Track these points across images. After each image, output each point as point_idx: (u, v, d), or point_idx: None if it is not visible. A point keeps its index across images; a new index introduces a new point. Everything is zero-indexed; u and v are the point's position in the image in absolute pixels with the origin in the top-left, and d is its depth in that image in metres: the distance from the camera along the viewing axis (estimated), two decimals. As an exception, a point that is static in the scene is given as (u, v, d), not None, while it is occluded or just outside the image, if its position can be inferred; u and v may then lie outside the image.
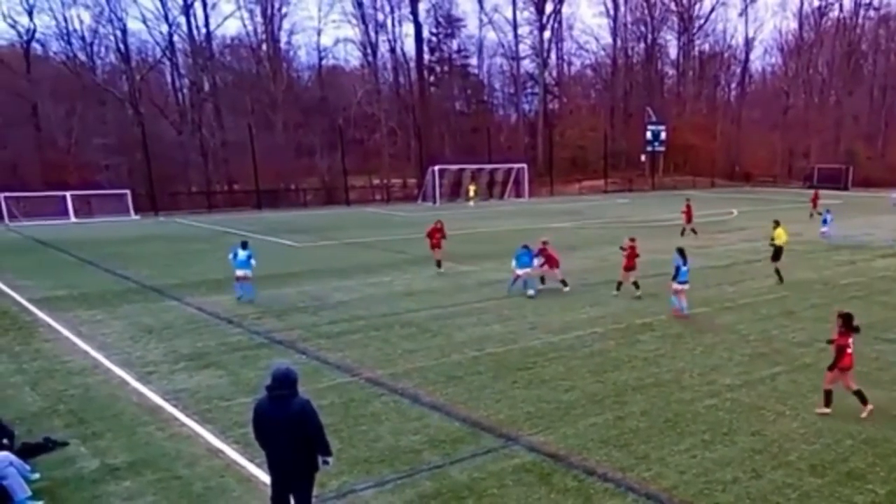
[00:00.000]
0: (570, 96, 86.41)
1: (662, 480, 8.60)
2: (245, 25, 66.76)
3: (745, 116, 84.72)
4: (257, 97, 65.28)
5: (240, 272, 19.10)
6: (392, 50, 73.17)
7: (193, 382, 12.42)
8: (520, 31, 77.41)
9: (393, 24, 71.97)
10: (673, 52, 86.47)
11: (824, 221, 32.34)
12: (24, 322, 17.22)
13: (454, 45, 79.37)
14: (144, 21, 62.41)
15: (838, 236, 31.24)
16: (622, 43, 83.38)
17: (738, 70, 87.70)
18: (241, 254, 19.06)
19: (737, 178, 77.66)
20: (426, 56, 76.34)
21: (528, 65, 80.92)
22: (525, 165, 62.51)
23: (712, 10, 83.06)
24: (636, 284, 19.09)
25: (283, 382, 6.76)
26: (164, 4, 61.66)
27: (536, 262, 19.59)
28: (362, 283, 21.40)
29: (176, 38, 63.83)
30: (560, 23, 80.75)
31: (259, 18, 66.03)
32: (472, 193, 54.90)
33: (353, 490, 8.51)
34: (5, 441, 9.38)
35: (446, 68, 79.91)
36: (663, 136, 71.51)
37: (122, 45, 61.82)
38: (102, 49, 64.27)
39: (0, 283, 22.25)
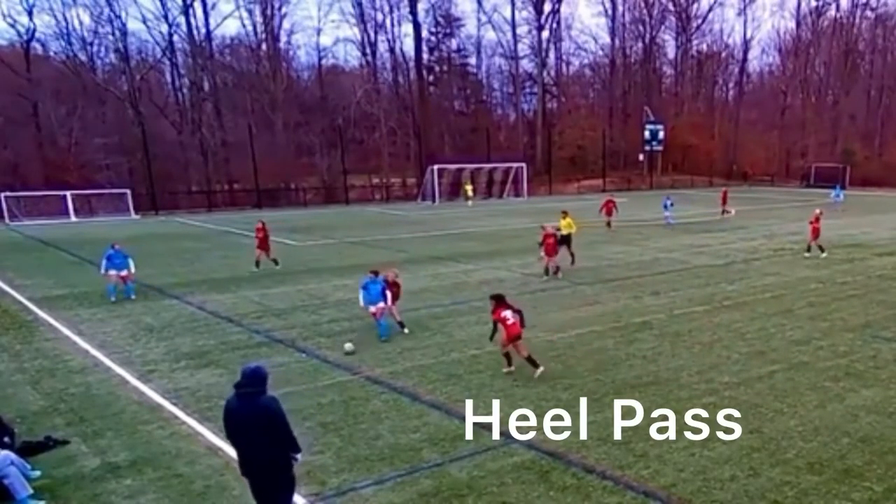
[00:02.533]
0: (568, 96, 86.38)
1: (661, 478, 8.60)
2: (244, 25, 66.97)
3: (743, 116, 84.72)
4: (257, 97, 65.29)
5: (114, 272, 19.24)
6: (391, 50, 73.26)
7: (194, 381, 12.41)
8: (518, 31, 77.52)
9: (392, 24, 72.08)
10: (671, 51, 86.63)
11: (665, 207, 36.75)
12: (25, 321, 17.22)
13: (453, 44, 79.42)
14: (144, 21, 62.62)
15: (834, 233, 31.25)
16: (620, 43, 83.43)
17: (736, 70, 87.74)
18: (116, 255, 19.33)
19: (735, 178, 77.66)
20: (425, 56, 76.29)
21: (526, 64, 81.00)
22: (524, 165, 62.55)
23: (710, 9, 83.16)
24: (556, 269, 21.46)
25: (252, 380, 6.74)
26: (163, 4, 61.64)
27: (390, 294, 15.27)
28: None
29: (176, 37, 63.82)
30: (558, 22, 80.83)
31: (259, 18, 66.03)
32: (469, 193, 54.79)
33: (354, 488, 8.51)
34: (6, 440, 9.38)
35: (445, 68, 79.85)
36: (661, 135, 71.55)
37: (121, 45, 61.76)
38: (102, 49, 64.23)
39: (1, 282, 22.27)
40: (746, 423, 10.21)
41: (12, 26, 56.96)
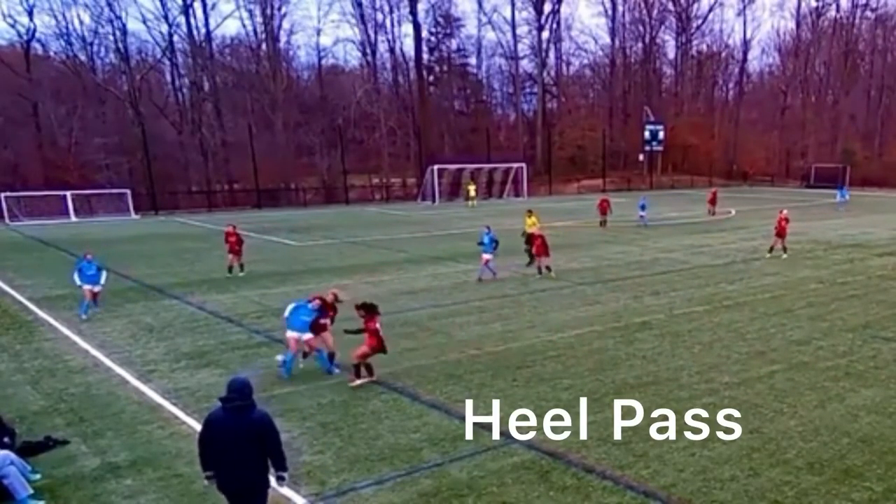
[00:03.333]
0: (568, 96, 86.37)
1: (661, 478, 8.61)
2: (244, 25, 66.96)
3: (743, 116, 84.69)
4: (257, 97, 65.25)
5: (88, 287, 17.17)
6: (391, 50, 73.21)
7: (194, 381, 12.41)
8: (518, 31, 77.45)
9: (392, 24, 72.01)
10: (671, 52, 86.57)
11: (642, 207, 36.57)
12: (25, 321, 17.22)
13: (453, 44, 79.35)
14: (144, 21, 62.53)
15: (845, 234, 31.25)
16: (620, 43, 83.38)
17: (736, 70, 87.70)
18: (88, 267, 17.26)
19: (735, 178, 77.66)
20: (425, 56, 76.24)
21: (526, 65, 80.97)
22: (524, 165, 62.55)
23: (710, 10, 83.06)
24: (547, 267, 21.68)
25: (242, 393, 6.60)
26: (163, 4, 61.59)
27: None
28: (363, 281, 21.38)
29: (176, 38, 63.77)
30: (558, 23, 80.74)
31: (259, 18, 65.92)
32: (472, 194, 54.63)
33: (354, 488, 8.51)
34: (6, 440, 9.38)
35: (445, 68, 79.82)
36: (661, 135, 71.51)
37: (121, 46, 61.76)
38: (102, 49, 64.18)
39: (1, 282, 22.28)
40: (746, 423, 10.20)
41: (12, 26, 57.03)
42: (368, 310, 12.09)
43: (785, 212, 26.18)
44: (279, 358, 12.78)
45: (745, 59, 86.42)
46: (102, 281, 17.69)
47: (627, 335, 14.96)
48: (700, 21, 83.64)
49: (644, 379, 12.16)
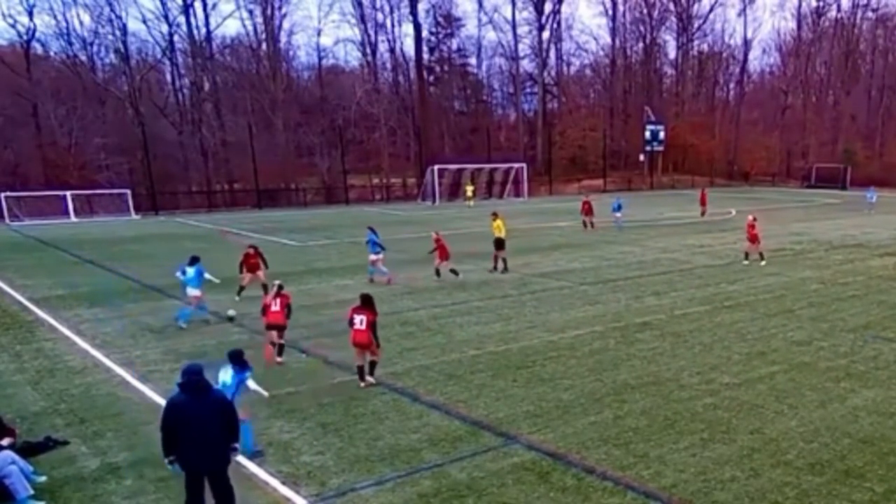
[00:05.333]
0: (569, 96, 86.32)
1: (661, 479, 8.61)
2: (245, 25, 67.01)
3: (744, 116, 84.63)
4: (257, 97, 65.25)
5: (192, 292, 16.47)
6: (391, 50, 73.22)
7: (194, 381, 12.39)
8: (519, 31, 77.35)
9: (392, 24, 72.00)
10: (672, 51, 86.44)
11: (618, 208, 35.45)
12: (25, 321, 17.23)
13: (454, 44, 79.33)
14: (144, 21, 62.45)
15: (840, 236, 31.24)
16: (621, 43, 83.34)
17: (737, 70, 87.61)
18: (190, 271, 16.46)
19: (735, 178, 77.64)
20: (425, 56, 76.22)
21: (527, 65, 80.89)
22: (524, 165, 62.52)
23: (711, 9, 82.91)
24: (454, 272, 21.50)
25: (201, 376, 7.18)
26: (163, 4, 61.57)
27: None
28: (363, 281, 21.37)
29: (176, 37, 63.79)
30: (559, 23, 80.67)
31: (259, 18, 66.00)
32: (469, 193, 54.62)
33: (354, 489, 8.52)
34: (6, 441, 9.38)
35: (446, 68, 79.81)
36: (662, 135, 71.45)
37: (121, 45, 61.78)
38: (102, 49, 64.20)
39: (1, 283, 22.26)
40: (747, 423, 10.21)
41: (12, 26, 56.97)
42: (361, 300, 12.06)
43: (750, 217, 25.21)
44: (231, 312, 16.09)
45: (745, 59, 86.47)
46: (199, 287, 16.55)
47: (628, 335, 14.97)
48: (701, 21, 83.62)
49: (645, 379, 12.16)
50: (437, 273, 21.83)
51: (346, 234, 34.93)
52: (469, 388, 11.82)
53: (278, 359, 13.32)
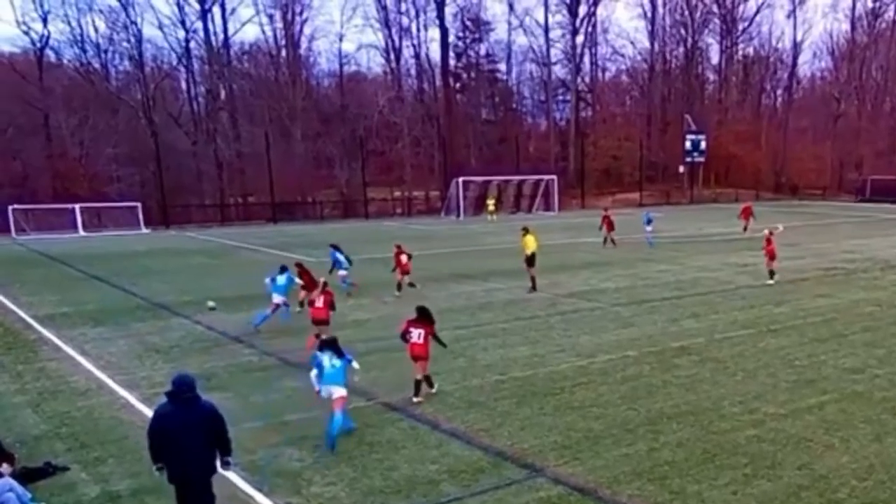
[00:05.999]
0: (603, 104, 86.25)
1: (699, 518, 8.43)
2: (264, 31, 68.08)
3: (793, 125, 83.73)
4: (275, 105, 66.12)
5: (277, 298, 18.16)
6: (416, 55, 73.86)
7: (201, 405, 12.46)
8: (551, 35, 77.64)
9: (418, 29, 72.71)
10: (715, 56, 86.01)
11: (648, 222, 35.59)
12: (28, 340, 17.50)
13: (482, 50, 79.74)
14: (161, 27, 63.83)
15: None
16: (660, 47, 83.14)
17: (785, 75, 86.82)
18: (280, 279, 18.31)
19: (783, 191, 76.73)
20: (452, 62, 76.80)
21: (559, 70, 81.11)
22: (555, 177, 62.49)
23: (757, 11, 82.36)
24: (412, 284, 22.58)
25: (191, 386, 7.47)
26: (181, 9, 62.95)
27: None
28: (382, 300, 21.41)
29: (192, 44, 65.12)
30: (594, 26, 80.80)
31: (279, 24, 67.05)
32: (491, 207, 54.48)
33: (366, 523, 8.46)
34: (5, 466, 9.47)
35: (473, 74, 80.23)
36: (703, 145, 70.93)
37: (136, 52, 63.19)
38: (117, 56, 65.88)
39: (5, 300, 22.71)
40: (794, 458, 9.98)
41: (26, 33, 58.55)
42: (417, 312, 12.68)
43: (767, 231, 24.82)
44: (210, 304, 17.79)
45: (794, 64, 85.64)
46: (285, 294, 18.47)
47: (664, 361, 14.78)
48: (746, 23, 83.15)
49: (682, 408, 11.97)
50: (399, 287, 22.55)
51: (365, 250, 35.02)
52: (492, 416, 11.73)
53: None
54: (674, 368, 14.25)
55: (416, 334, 12.33)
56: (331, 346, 10.89)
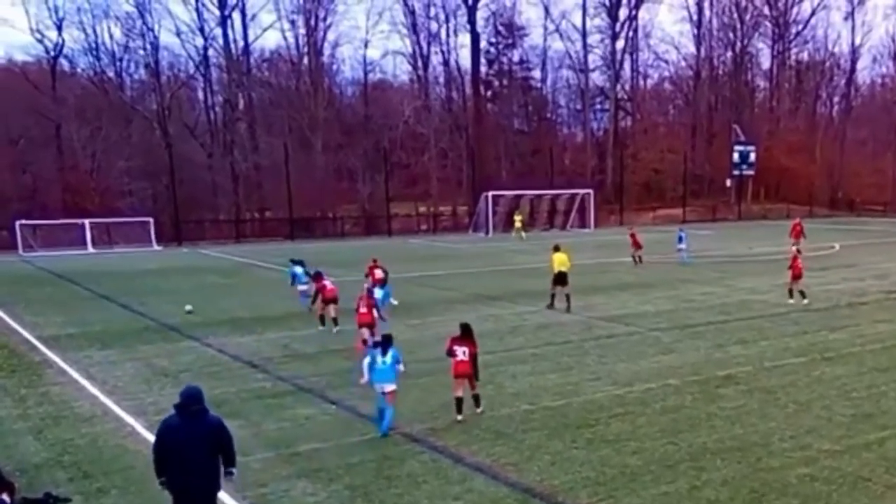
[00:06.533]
0: (644, 113, 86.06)
1: (745, 564, 8.26)
2: (285, 38, 68.56)
3: (850, 135, 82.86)
4: (295, 115, 66.75)
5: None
6: (445, 62, 74.30)
7: (210, 434, 12.53)
8: (590, 41, 77.71)
9: (447, 34, 73.15)
10: (766, 61, 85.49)
11: (680, 240, 35.82)
12: (32, 362, 17.77)
13: (515, 56, 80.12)
14: (178, 33, 64.97)
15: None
16: (707, 52, 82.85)
17: (843, 82, 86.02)
18: (378, 292, 20.39)
19: (839, 207, 75.73)
20: (483, 69, 77.18)
21: (598, 78, 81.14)
22: (591, 191, 62.33)
23: (812, 13, 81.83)
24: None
25: (199, 399, 7.89)
26: (200, 16, 64.03)
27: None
28: (403, 323, 21.38)
29: (210, 52, 66.16)
30: (636, 30, 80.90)
31: (301, 29, 67.76)
32: (518, 224, 54.36)
33: (382, 564, 8.41)
34: (5, 496, 9.57)
35: (505, 82, 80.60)
36: (752, 157, 70.39)
37: (152, 60, 64.42)
38: (132, 65, 67.32)
39: (9, 319, 23.13)
40: (851, 500, 9.77)
41: (40, 41, 60.10)
42: (461, 329, 13.34)
43: (794, 248, 24.76)
44: (188, 307, 20.76)
45: (853, 70, 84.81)
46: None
47: (709, 391, 14.58)
48: (800, 26, 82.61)
49: (727, 443, 11.78)
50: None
51: (388, 269, 35.12)
52: (520, 449, 11.64)
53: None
54: (719, 399, 14.04)
55: (462, 352, 12.95)
56: (385, 343, 12.59)
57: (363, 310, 17.57)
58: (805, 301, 23.74)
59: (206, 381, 15.54)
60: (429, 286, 29.27)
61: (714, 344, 18.58)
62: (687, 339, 19.15)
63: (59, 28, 60.17)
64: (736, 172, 70.64)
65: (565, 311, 22.82)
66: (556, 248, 24.27)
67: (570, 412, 13.36)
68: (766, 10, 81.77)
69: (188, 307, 23.40)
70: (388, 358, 12.37)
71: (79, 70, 64.95)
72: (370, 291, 18.92)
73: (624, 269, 33.91)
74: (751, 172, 71.27)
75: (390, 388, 12.33)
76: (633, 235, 35.42)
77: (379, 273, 23.81)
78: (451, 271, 33.68)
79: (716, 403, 13.79)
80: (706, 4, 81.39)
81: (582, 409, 13.56)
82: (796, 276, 24.19)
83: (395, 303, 23.23)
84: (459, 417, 12.84)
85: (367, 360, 12.73)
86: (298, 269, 24.34)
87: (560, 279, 23.42)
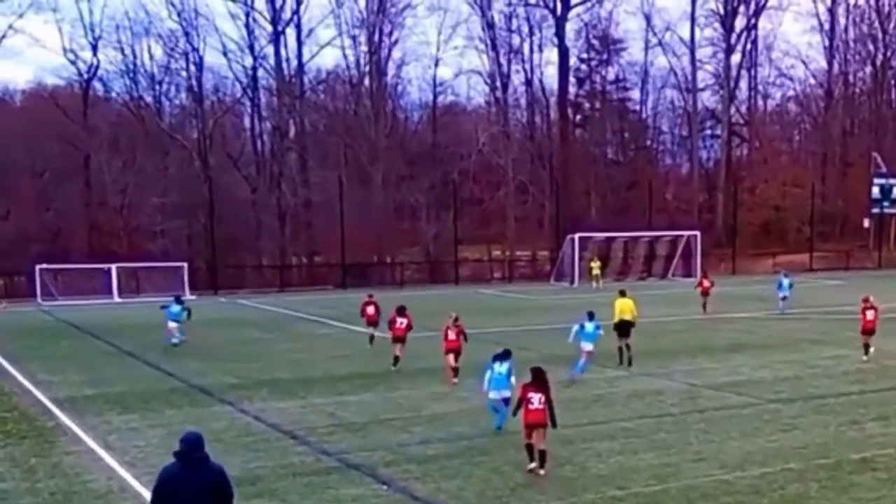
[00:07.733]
0: (764, 139, 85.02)
1: None
2: (346, 55, 69.23)
3: None
4: (352, 143, 67.84)
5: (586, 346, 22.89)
6: (528, 82, 75.03)
7: (240, 517, 12.59)
8: (699, 55, 77.54)
9: (531, 50, 73.96)
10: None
11: (780, 286, 36.95)
12: (45, 428, 18.25)
13: (610, 74, 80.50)
14: (225, 52, 66.68)
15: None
16: (841, 67, 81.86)
17: None
18: (589, 326, 22.80)
19: None
20: (572, 89, 77.37)
21: (708, 98, 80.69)
22: (698, 233, 61.43)
23: (970, 19, 79.94)
24: (371, 337, 28.06)
25: (200, 446, 8.22)
26: (250, 33, 65.79)
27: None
28: (469, 388, 21.28)
29: (260, 72, 67.75)
30: (754, 42, 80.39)
31: (363, 47, 68.76)
32: (596, 271, 53.96)
33: None
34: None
35: (598, 104, 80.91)
36: (896, 192, 68.61)
37: (195, 83, 66.44)
38: (172, 88, 69.45)
39: (22, 378, 23.90)
40: None
41: (73, 63, 62.88)
42: (532, 374, 14.68)
43: (871, 299, 25.39)
44: (176, 337, 24.62)
45: None
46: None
47: (840, 478, 14.10)
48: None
49: (862, 545, 11.32)
50: (371, 340, 28.45)
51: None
52: (604, 545, 11.39)
53: (453, 380, 21.96)
54: (852, 488, 13.55)
55: (537, 399, 13.95)
56: (503, 356, 16.90)
57: (451, 336, 21.84)
58: (865, 358, 23.93)
59: (239, 454, 15.84)
60: (499, 343, 28.91)
61: (847, 420, 18.06)
62: (812, 414, 18.71)
63: (95, 48, 63.06)
64: (875, 210, 68.98)
65: (627, 364, 24.24)
66: (622, 294, 26.00)
67: (667, 500, 13.08)
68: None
69: (174, 339, 27.95)
70: (504, 368, 16.49)
71: (113, 94, 67.93)
72: (457, 318, 22.46)
73: (738, 326, 33.24)
74: (894, 210, 69.41)
75: (505, 394, 16.30)
76: (703, 281, 38.68)
77: (371, 310, 28.65)
78: (528, 327, 33.47)
79: (848, 493, 13.32)
80: (840, 11, 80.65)
81: (682, 496, 13.23)
82: (865, 331, 24.59)
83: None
84: (532, 465, 13.94)
85: (487, 375, 16.63)
86: (175, 307, 28.55)
87: (623, 329, 24.53)
